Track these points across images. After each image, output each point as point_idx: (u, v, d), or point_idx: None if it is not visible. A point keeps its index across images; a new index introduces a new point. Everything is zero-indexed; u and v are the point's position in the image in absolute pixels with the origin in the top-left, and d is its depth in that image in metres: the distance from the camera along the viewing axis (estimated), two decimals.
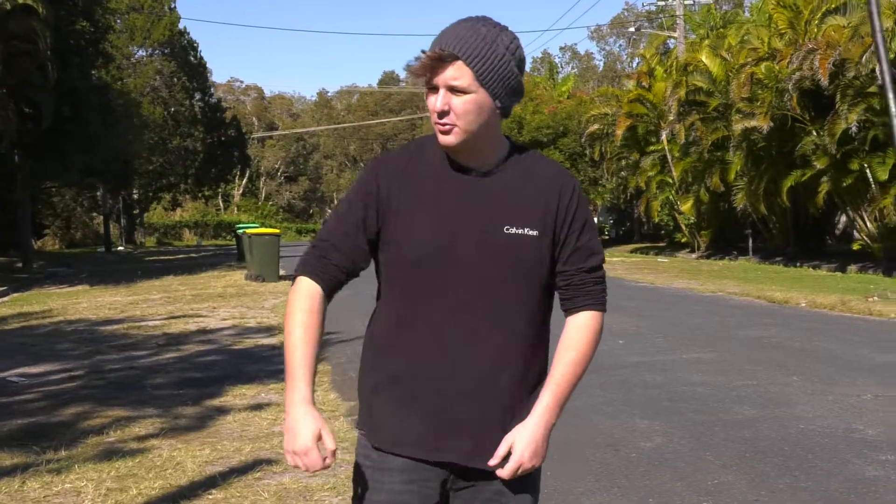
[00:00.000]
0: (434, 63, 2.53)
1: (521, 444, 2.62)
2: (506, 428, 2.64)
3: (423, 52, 2.56)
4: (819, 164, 25.88)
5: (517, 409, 2.66)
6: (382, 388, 2.70)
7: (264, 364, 11.20)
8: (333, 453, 2.57)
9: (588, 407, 8.43)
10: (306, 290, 2.65)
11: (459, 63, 2.52)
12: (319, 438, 2.57)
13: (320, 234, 2.71)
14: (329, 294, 2.67)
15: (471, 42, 2.52)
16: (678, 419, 7.89)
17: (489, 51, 2.53)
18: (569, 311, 2.73)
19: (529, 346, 2.69)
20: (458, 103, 2.54)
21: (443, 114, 2.55)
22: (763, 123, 27.56)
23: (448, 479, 2.68)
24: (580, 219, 2.68)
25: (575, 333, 2.70)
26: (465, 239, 2.59)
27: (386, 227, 2.64)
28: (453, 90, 2.53)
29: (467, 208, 2.61)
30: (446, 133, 2.57)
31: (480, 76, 2.53)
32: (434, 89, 2.55)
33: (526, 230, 2.61)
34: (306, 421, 2.57)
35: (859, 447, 6.88)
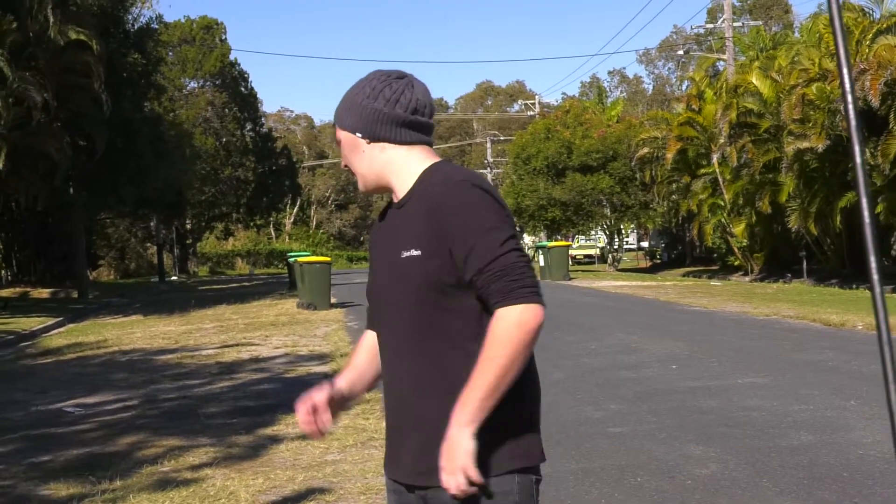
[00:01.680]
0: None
1: (442, 456, 2.58)
2: (429, 444, 2.64)
3: None
4: (878, 181, 25.56)
5: (441, 426, 2.61)
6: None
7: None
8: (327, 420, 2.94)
9: (641, 433, 8.35)
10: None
11: (335, 126, 2.88)
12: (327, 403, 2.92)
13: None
14: None
15: (341, 103, 2.87)
16: (733, 445, 7.78)
17: (345, 102, 2.84)
18: (490, 314, 2.63)
19: (448, 366, 2.67)
20: (342, 153, 2.86)
21: (348, 168, 2.87)
22: (817, 144, 27.31)
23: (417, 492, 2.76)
24: (458, 227, 2.60)
25: (487, 335, 2.59)
26: (383, 268, 2.81)
27: None
28: (337, 144, 2.88)
29: (385, 239, 2.82)
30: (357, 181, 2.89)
31: (339, 122, 2.83)
32: None
33: (412, 251, 2.68)
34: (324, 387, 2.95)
35: None
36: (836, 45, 2.81)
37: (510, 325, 2.55)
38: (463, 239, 2.61)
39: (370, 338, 2.95)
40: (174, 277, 57.48)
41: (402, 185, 2.79)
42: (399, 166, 2.77)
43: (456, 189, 2.66)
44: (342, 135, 2.83)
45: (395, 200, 2.81)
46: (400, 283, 2.72)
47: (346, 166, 2.88)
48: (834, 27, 2.81)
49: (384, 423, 2.92)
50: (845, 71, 2.78)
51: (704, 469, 7.10)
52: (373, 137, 2.76)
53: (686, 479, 6.87)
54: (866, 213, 2.83)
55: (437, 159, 2.80)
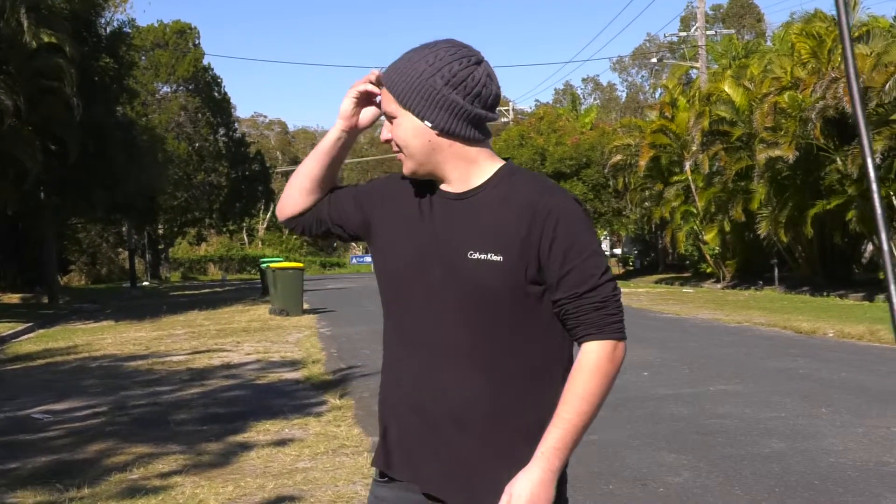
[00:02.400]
0: (368, 95, 2.68)
1: (519, 493, 2.40)
2: (469, 468, 2.49)
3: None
4: (850, 191, 25.71)
5: (487, 449, 2.49)
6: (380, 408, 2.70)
7: (288, 399, 11.17)
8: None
9: (613, 440, 8.35)
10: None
11: (384, 89, 2.57)
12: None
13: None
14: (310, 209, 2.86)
15: (395, 66, 2.55)
16: (706, 453, 7.79)
17: (408, 71, 2.50)
18: (576, 341, 2.52)
19: (502, 381, 2.47)
20: (395, 132, 2.57)
21: (390, 142, 2.60)
22: (788, 153, 27.44)
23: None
24: (563, 242, 2.45)
25: (576, 367, 2.46)
26: (431, 261, 2.53)
27: (371, 235, 2.73)
28: (389, 118, 2.58)
29: (437, 230, 2.55)
30: (403, 160, 2.60)
31: (400, 98, 2.51)
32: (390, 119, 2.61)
33: (489, 255, 2.45)
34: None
35: (891, 481, 6.77)
36: (842, 40, 2.81)
37: (605, 360, 2.45)
38: (564, 255, 2.45)
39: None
40: (146, 283, 57.13)
41: (474, 178, 2.56)
42: (468, 161, 2.55)
43: (565, 202, 2.50)
44: (399, 112, 2.53)
45: (448, 188, 2.58)
46: (460, 286, 2.48)
47: (388, 141, 2.60)
48: (841, 27, 2.80)
49: (385, 418, 2.65)
50: (852, 72, 2.78)
51: (677, 476, 7.10)
52: (445, 132, 2.51)
53: (658, 486, 6.86)
54: (878, 207, 2.79)
55: (499, 158, 2.63)
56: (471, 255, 2.47)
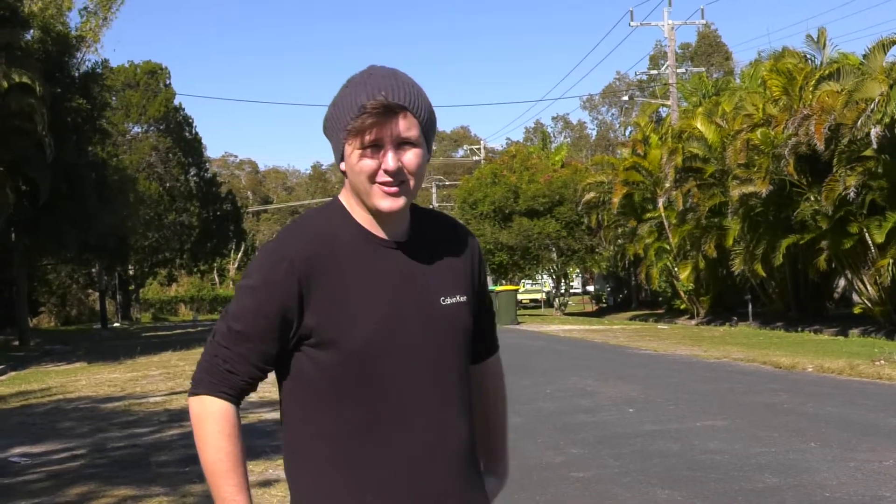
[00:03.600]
0: (382, 115, 2.23)
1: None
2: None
3: (372, 103, 2.23)
4: (822, 225, 25.84)
5: (475, 480, 2.47)
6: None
7: (269, 439, 11.01)
8: None
9: (604, 477, 8.26)
10: (220, 413, 2.28)
11: (408, 114, 2.25)
12: None
13: (221, 337, 2.31)
14: (238, 405, 2.32)
15: (409, 90, 2.28)
16: (699, 488, 7.71)
17: (421, 96, 2.30)
18: (483, 355, 2.62)
19: (469, 417, 2.44)
20: (409, 159, 2.27)
21: (397, 173, 2.25)
22: (761, 188, 27.59)
23: None
24: (483, 262, 2.59)
25: (498, 381, 2.69)
26: (408, 320, 2.31)
27: (311, 323, 2.27)
28: (403, 145, 2.26)
29: (403, 286, 2.33)
30: (396, 195, 2.27)
31: (423, 126, 2.29)
32: (374, 147, 2.25)
33: (458, 297, 2.41)
34: None
35: None
36: None
37: (502, 369, 2.68)
38: (484, 276, 2.59)
39: (236, 430, 2.29)
40: (116, 324, 56.68)
41: (407, 219, 2.41)
42: None
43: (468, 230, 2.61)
44: (420, 141, 2.30)
45: (382, 237, 2.35)
46: (443, 334, 2.37)
47: (390, 171, 2.26)
48: None
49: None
50: None
51: None
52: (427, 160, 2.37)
53: None
54: None
55: None
56: (443, 300, 2.39)
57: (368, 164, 2.25)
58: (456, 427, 2.37)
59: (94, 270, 54.50)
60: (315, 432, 2.32)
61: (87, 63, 35.49)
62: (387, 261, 2.33)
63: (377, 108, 2.22)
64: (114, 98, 53.02)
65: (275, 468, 9.26)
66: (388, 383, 2.29)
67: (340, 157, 2.31)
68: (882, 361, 16.63)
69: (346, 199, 2.38)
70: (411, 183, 2.29)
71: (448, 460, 2.35)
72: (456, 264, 2.45)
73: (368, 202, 2.30)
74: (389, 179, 2.25)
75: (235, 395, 2.31)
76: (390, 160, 2.24)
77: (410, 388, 2.30)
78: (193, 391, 2.32)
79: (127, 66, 59.61)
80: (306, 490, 2.33)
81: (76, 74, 33.89)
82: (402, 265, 2.35)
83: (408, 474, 2.29)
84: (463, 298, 2.42)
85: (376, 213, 2.32)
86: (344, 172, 2.34)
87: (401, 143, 2.26)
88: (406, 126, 2.25)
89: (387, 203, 2.27)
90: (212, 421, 2.28)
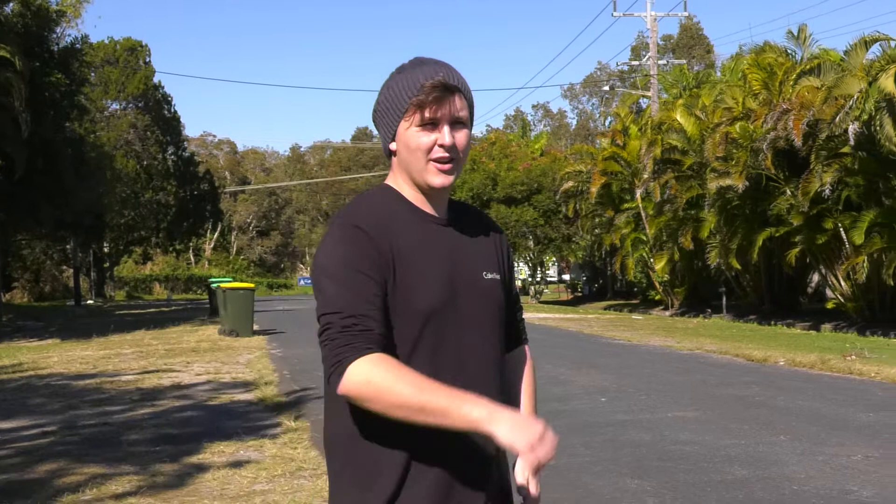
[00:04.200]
0: (442, 93, 2.40)
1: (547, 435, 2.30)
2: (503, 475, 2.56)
3: (431, 82, 2.40)
4: (795, 221, 26.00)
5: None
6: (420, 471, 2.37)
7: (242, 420, 10.99)
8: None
9: (574, 465, 8.28)
10: (381, 359, 2.28)
11: (462, 95, 2.45)
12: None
13: (336, 314, 2.32)
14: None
15: (460, 75, 2.48)
16: (669, 479, 7.75)
17: (465, 82, 2.49)
18: (514, 345, 2.74)
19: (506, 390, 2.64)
20: (461, 138, 2.45)
21: (451, 149, 2.42)
22: (738, 182, 27.71)
23: None
24: (512, 259, 2.75)
25: (530, 368, 2.78)
26: (461, 289, 2.46)
27: (389, 281, 2.37)
28: (456, 124, 2.43)
29: (454, 257, 2.49)
30: (448, 172, 2.44)
31: (470, 108, 2.50)
32: (432, 125, 2.41)
33: (494, 274, 2.58)
34: (526, 416, 2.43)
35: None
36: None
37: (531, 361, 2.80)
38: (513, 272, 2.75)
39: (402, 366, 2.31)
40: (90, 301, 56.40)
41: (446, 200, 2.57)
42: None
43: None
44: (468, 122, 2.48)
45: (432, 213, 2.50)
46: (486, 305, 2.52)
47: (445, 146, 2.41)
48: None
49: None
50: None
51: (641, 503, 7.04)
52: None
53: None
54: None
55: None
56: (485, 275, 2.55)
57: (426, 140, 2.41)
58: (498, 393, 2.49)
59: (68, 247, 54.25)
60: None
61: (66, 38, 35.25)
62: (439, 235, 2.50)
63: (437, 85, 2.40)
64: (93, 74, 52.69)
65: (246, 449, 9.27)
66: (450, 342, 2.42)
67: (392, 136, 2.47)
68: (853, 357, 16.73)
69: (394, 182, 2.54)
70: (461, 161, 2.48)
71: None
72: (490, 247, 2.63)
73: (420, 178, 2.46)
74: (445, 155, 2.42)
75: (380, 351, 2.30)
76: (447, 135, 2.41)
77: (468, 347, 2.45)
78: (339, 369, 2.28)
79: (107, 42, 59.23)
80: (370, 434, 2.37)
81: (55, 49, 33.62)
82: (452, 239, 2.52)
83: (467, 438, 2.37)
84: (497, 276, 2.59)
85: (426, 190, 2.49)
86: (393, 153, 2.50)
87: (454, 122, 2.43)
88: (460, 106, 2.44)
89: (439, 179, 2.44)
90: (381, 370, 2.26)
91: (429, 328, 2.39)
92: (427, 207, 2.50)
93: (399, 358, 2.34)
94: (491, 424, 2.23)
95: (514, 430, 2.23)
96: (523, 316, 2.84)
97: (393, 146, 2.47)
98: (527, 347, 2.80)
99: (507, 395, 2.60)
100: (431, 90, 2.39)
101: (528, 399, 2.71)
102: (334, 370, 2.29)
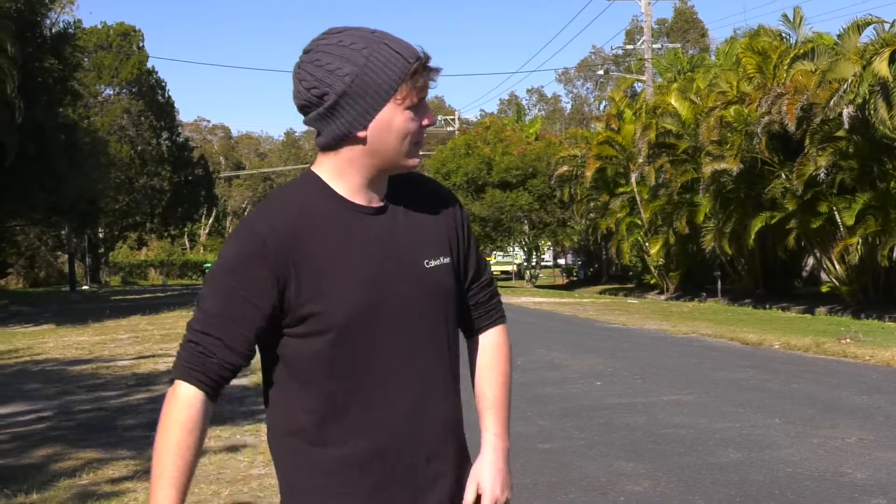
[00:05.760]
0: (432, 69, 2.24)
1: (488, 479, 2.36)
2: (463, 475, 2.39)
3: (422, 59, 2.20)
4: (789, 206, 26.03)
5: (455, 455, 2.39)
6: (344, 483, 2.25)
7: (237, 405, 11.02)
8: None
9: (569, 449, 8.31)
10: (186, 399, 2.17)
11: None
12: None
13: (196, 323, 2.21)
14: (215, 397, 2.22)
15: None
16: (664, 462, 7.77)
17: None
18: (479, 329, 2.49)
19: (455, 384, 2.39)
20: (431, 115, 2.31)
21: (425, 128, 2.27)
22: (733, 166, 27.73)
23: None
24: (471, 233, 2.49)
25: (495, 351, 2.48)
26: (392, 286, 2.25)
27: (293, 299, 2.18)
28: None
29: (385, 252, 2.26)
30: (411, 154, 2.27)
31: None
32: (419, 106, 2.23)
33: (441, 259, 2.33)
34: None
35: (849, 491, 6.79)
36: None
37: (508, 341, 2.54)
38: (473, 246, 2.49)
39: (196, 421, 2.18)
40: (85, 287, 56.38)
41: (385, 182, 2.34)
42: None
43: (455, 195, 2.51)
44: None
45: (365, 204, 2.27)
46: (429, 297, 2.30)
47: (426, 126, 2.28)
48: None
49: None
50: None
51: (636, 486, 7.06)
52: None
53: (619, 495, 6.82)
54: None
55: None
56: (427, 262, 2.32)
57: (414, 122, 2.21)
58: (443, 395, 2.33)
59: (63, 233, 54.17)
60: (301, 408, 2.25)
61: (60, 23, 35.14)
62: (368, 228, 2.26)
63: (427, 61, 2.21)
64: (86, 59, 52.51)
65: (242, 434, 9.28)
66: (375, 353, 2.23)
67: (364, 123, 2.20)
68: (848, 340, 16.78)
69: (322, 169, 2.29)
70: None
71: (435, 427, 2.32)
72: (437, 227, 2.37)
73: (396, 162, 2.25)
74: (425, 134, 2.27)
75: (211, 383, 2.19)
76: (431, 114, 2.26)
77: (397, 355, 2.25)
78: (173, 377, 2.22)
79: (100, 27, 59.11)
80: (293, 467, 2.27)
81: (48, 34, 33.50)
82: (383, 230, 2.28)
83: (395, 444, 2.25)
84: (446, 260, 2.35)
85: (392, 172, 2.29)
86: (361, 139, 2.22)
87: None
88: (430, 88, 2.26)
89: (416, 159, 2.28)
90: (175, 407, 2.18)
91: (349, 340, 2.21)
92: (360, 198, 2.27)
93: (315, 373, 2.22)
94: None
95: None
96: (498, 293, 2.57)
97: (362, 133, 2.20)
98: (501, 328, 2.53)
99: (474, 388, 2.49)
100: (425, 69, 2.20)
101: (493, 388, 2.47)
102: (172, 375, 2.23)
